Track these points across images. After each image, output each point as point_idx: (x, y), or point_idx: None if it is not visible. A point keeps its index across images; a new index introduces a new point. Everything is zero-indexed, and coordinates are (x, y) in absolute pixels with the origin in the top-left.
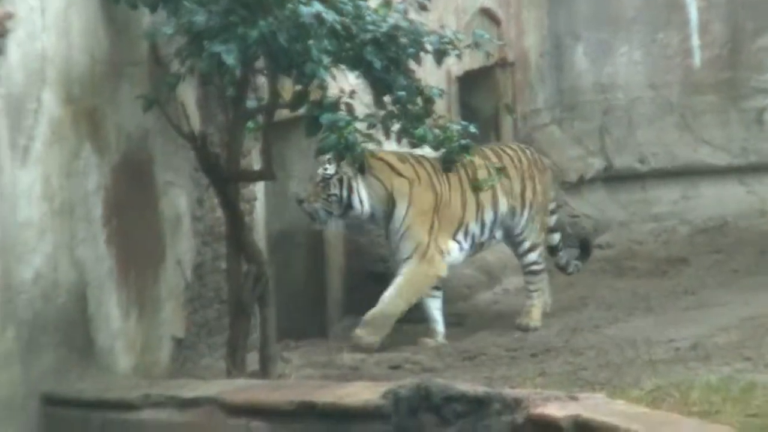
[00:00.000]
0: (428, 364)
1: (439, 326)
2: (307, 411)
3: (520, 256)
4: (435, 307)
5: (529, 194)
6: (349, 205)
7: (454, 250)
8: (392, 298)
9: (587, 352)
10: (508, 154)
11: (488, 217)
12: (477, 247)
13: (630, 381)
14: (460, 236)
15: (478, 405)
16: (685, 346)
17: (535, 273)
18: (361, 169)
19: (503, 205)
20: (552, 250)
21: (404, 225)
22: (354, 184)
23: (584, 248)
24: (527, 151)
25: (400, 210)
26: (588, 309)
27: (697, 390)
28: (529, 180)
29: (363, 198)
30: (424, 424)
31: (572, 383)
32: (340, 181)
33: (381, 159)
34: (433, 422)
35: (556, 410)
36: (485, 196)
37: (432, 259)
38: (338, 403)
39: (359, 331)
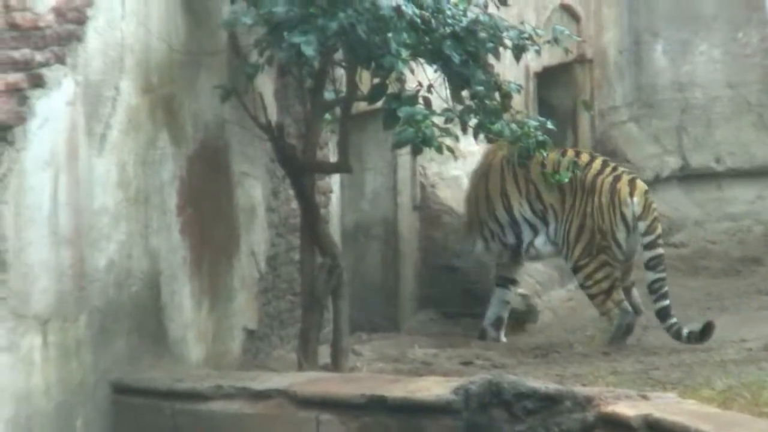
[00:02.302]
0: (499, 360)
1: None
2: (378, 405)
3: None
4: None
5: (577, 207)
6: None
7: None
8: None
9: (659, 351)
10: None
11: (501, 216)
12: (511, 250)
13: (701, 381)
14: (486, 233)
15: (549, 402)
16: (757, 347)
17: (592, 297)
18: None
19: (520, 208)
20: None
21: None
22: None
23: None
24: (608, 169)
25: None
26: None
27: None
28: (588, 194)
29: None
30: (495, 420)
31: (644, 382)
32: None
33: None
34: (504, 418)
35: (627, 409)
36: (494, 192)
37: None
38: (409, 398)
39: None
